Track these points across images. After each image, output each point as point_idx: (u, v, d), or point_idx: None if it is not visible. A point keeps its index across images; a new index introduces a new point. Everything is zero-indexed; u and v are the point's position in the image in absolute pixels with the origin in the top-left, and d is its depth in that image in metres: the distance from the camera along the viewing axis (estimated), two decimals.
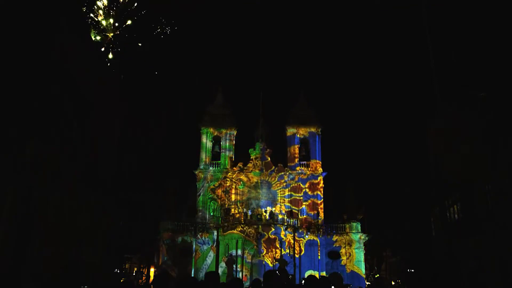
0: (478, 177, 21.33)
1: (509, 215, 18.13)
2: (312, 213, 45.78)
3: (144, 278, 45.44)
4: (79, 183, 20.34)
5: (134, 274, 49.34)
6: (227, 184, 47.07)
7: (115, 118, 27.17)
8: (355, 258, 42.27)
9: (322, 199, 46.71)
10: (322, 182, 47.20)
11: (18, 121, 15.25)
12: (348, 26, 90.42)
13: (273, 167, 47.66)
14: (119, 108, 27.99)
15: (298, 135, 48.76)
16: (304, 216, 45.21)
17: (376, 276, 43.53)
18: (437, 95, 27.76)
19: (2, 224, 14.61)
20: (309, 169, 47.41)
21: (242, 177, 47.19)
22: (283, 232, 41.57)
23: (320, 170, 47.26)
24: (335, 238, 43.24)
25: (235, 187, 46.98)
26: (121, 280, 34.60)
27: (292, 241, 40.71)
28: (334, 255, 41.03)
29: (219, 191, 46.76)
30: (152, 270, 45.02)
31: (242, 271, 39.56)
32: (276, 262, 39.67)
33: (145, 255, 45.65)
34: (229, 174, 47.18)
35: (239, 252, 40.24)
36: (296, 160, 47.89)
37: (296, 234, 41.38)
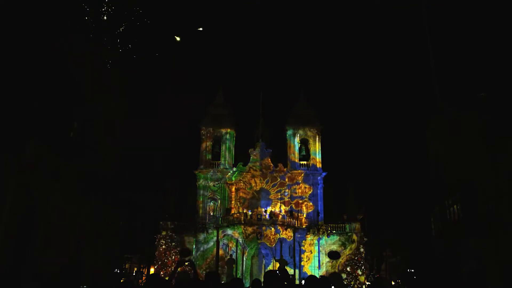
0: (478, 177, 21.35)
1: (509, 215, 18.13)
2: (312, 213, 45.78)
3: (144, 278, 45.39)
4: (79, 183, 20.33)
5: (134, 274, 49.30)
6: (227, 184, 47.07)
7: (115, 118, 27.18)
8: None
9: (322, 199, 46.71)
10: (322, 182, 47.20)
11: (18, 121, 15.25)
12: (348, 26, 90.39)
13: (273, 167, 47.65)
14: (119, 108, 28.00)
15: (298, 135, 48.75)
16: (304, 216, 45.21)
17: (376, 276, 43.48)
18: (437, 95, 27.76)
19: (2, 224, 14.61)
20: (309, 169, 47.40)
21: (242, 177, 47.18)
22: (283, 232, 41.55)
23: (320, 170, 47.27)
24: (335, 238, 43.24)
25: (235, 187, 46.98)
26: (121, 280, 34.59)
27: (292, 241, 40.68)
28: (334, 255, 41.00)
29: (219, 191, 46.76)
30: (152, 270, 45.01)
31: (242, 271, 39.55)
32: (276, 262, 39.64)
33: (145, 255, 45.61)
34: (229, 174, 47.18)
35: (239, 252, 40.23)
36: (296, 160, 47.88)
37: (296, 234, 41.37)
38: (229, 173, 47.23)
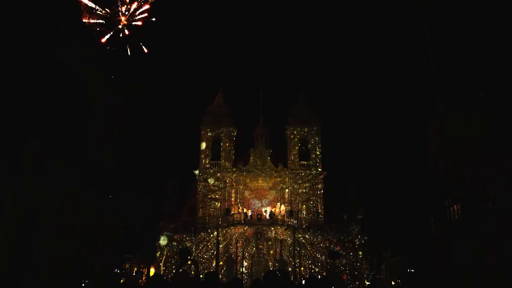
0: (478, 177, 21.33)
1: (509, 215, 18.13)
2: (312, 213, 45.75)
3: (144, 278, 45.41)
4: (79, 183, 20.33)
5: (134, 274, 49.32)
6: (227, 184, 47.06)
7: (115, 118, 27.16)
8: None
9: (322, 199, 46.65)
10: (322, 182, 47.14)
11: (18, 121, 15.24)
12: (348, 26, 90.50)
13: (273, 167, 47.63)
14: (119, 108, 27.98)
15: (298, 135, 48.71)
16: (304, 216, 45.17)
17: (371, 275, 43.51)
18: (437, 95, 27.77)
19: (2, 224, 14.60)
20: (309, 169, 47.36)
21: (242, 177, 47.16)
22: (283, 232, 41.54)
23: (320, 170, 47.22)
24: (335, 238, 43.17)
25: (235, 187, 46.96)
26: (121, 280, 34.59)
27: (292, 241, 40.67)
28: (334, 255, 41.00)
29: (219, 191, 46.74)
30: (152, 270, 45.02)
31: (242, 271, 39.54)
32: (276, 263, 39.62)
33: (145, 255, 45.63)
34: (229, 174, 47.16)
35: (239, 252, 40.22)
36: (296, 160, 47.83)
37: (296, 234, 41.36)
38: (229, 173, 47.20)
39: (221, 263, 40.02)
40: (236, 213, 43.33)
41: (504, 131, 18.28)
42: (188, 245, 42.03)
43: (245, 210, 43.97)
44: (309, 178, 46.95)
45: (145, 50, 29.49)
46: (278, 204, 45.33)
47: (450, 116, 25.99)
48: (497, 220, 19.39)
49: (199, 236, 42.80)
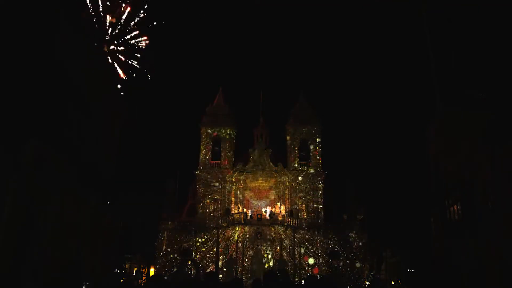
0: (478, 177, 21.32)
1: (509, 215, 18.13)
2: (312, 213, 45.72)
3: (144, 278, 45.44)
4: (79, 183, 20.32)
5: (134, 274, 49.34)
6: (227, 184, 47.04)
7: (115, 118, 27.15)
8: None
9: (322, 199, 46.63)
10: (322, 182, 47.12)
11: (18, 121, 15.24)
12: (348, 26, 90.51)
13: (273, 167, 47.61)
14: (119, 108, 27.97)
15: (298, 135, 48.68)
16: (304, 216, 45.16)
17: (371, 275, 43.50)
18: (437, 95, 27.75)
19: (2, 224, 14.61)
20: (309, 169, 47.33)
21: (242, 177, 47.14)
22: (283, 232, 41.53)
23: (320, 170, 47.19)
24: (335, 238, 43.17)
25: (235, 187, 46.95)
26: (121, 280, 34.59)
27: (292, 241, 40.67)
28: (334, 255, 41.00)
29: (219, 191, 46.72)
30: (152, 270, 45.03)
31: (242, 271, 39.53)
32: (276, 263, 39.62)
33: (145, 255, 45.66)
34: (229, 174, 47.14)
35: (239, 252, 40.21)
36: (296, 160, 47.82)
37: (296, 234, 41.36)
38: (229, 173, 47.17)
39: (221, 263, 40.00)
40: (236, 213, 43.34)
41: (504, 131, 18.27)
42: (188, 245, 42.05)
43: (245, 210, 43.97)
44: (308, 178, 46.93)
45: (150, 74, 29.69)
46: (278, 204, 45.33)
47: (450, 116, 25.96)
48: (497, 220, 19.38)
49: (199, 236, 42.80)
